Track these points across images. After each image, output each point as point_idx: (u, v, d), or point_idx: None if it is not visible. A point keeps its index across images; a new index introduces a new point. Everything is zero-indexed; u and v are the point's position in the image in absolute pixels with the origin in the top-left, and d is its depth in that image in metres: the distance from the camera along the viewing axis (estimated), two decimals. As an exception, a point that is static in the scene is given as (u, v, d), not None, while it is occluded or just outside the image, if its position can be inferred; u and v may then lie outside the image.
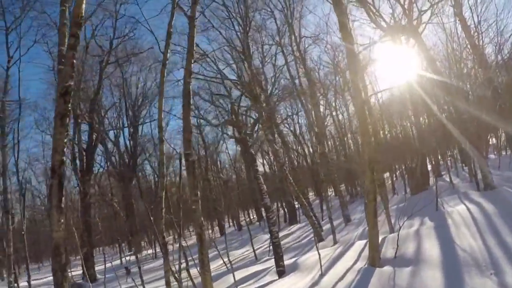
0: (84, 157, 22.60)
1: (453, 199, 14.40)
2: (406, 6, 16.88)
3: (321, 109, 32.77)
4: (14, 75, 18.83)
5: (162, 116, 12.11)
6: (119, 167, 31.17)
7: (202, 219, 10.20)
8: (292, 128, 37.99)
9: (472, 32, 21.16)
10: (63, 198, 5.73)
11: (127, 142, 31.66)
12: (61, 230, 5.59)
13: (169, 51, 12.05)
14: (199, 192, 9.68)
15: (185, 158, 9.75)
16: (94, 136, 24.11)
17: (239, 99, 22.45)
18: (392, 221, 13.27)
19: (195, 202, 9.36)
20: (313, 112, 24.08)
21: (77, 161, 22.48)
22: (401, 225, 10.86)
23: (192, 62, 10.88)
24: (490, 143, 28.43)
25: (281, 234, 24.46)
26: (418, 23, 16.62)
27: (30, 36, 20.87)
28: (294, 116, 36.93)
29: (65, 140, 6.17)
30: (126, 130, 31.62)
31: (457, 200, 14.04)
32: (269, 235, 16.47)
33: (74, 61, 6.88)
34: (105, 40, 24.38)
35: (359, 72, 8.09)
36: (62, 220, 5.66)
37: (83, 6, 7.42)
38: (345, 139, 37.07)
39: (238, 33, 20.70)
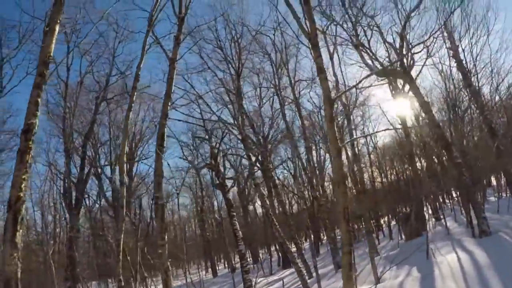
0: (74, 191, 22.43)
1: (446, 246, 13.94)
2: (398, 49, 16.89)
3: (322, 153, 32.53)
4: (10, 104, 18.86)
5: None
6: (113, 203, 30.69)
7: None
8: (292, 171, 37.55)
9: (467, 73, 21.15)
10: (17, 233, 5.86)
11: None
12: (13, 264, 5.72)
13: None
14: (166, 237, 9.54)
15: (155, 201, 9.65)
16: (85, 170, 23.78)
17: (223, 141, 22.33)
18: (380, 269, 12.73)
19: (161, 247, 9.14)
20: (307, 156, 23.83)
21: (67, 195, 22.28)
22: (388, 274, 10.44)
23: (170, 104, 10.88)
24: (491, 185, 28.03)
25: (271, 278, 23.78)
26: (410, 66, 16.51)
27: (24, 67, 20.97)
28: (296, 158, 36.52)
29: (24, 177, 6.27)
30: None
31: (450, 247, 13.58)
32: (260, 278, 15.96)
33: (39, 99, 6.81)
34: (102, 76, 24.32)
35: (334, 119, 7.68)
36: (15, 254, 5.78)
37: (52, 46, 7.40)
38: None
39: (232, 75, 20.83)
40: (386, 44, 17.83)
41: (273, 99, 23.99)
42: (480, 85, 21.29)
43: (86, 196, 31.14)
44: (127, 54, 26.72)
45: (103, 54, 23.14)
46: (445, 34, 20.42)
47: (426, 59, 19.58)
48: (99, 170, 28.26)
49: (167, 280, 8.93)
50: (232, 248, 39.81)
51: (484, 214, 14.35)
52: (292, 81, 21.64)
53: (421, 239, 17.73)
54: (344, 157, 30.36)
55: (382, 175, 30.67)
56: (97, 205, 33.09)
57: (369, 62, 17.44)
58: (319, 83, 8.24)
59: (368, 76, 7.84)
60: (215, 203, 43.78)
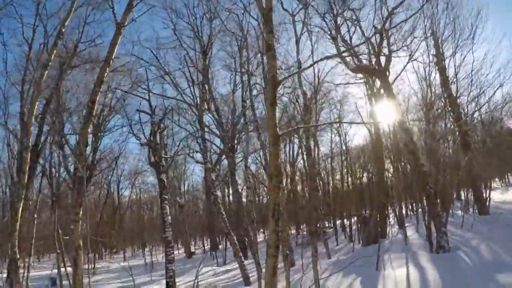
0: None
1: (400, 259, 12.96)
2: (376, 47, 15.71)
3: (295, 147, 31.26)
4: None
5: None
6: (74, 175, 29.17)
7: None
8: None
9: (448, 81, 20.11)
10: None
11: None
12: None
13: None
14: (81, 211, 9.05)
15: (73, 172, 8.85)
16: (42, 138, 22.17)
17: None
18: (326, 275, 11.62)
19: (74, 222, 8.35)
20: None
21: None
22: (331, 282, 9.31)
23: (107, 71, 9.82)
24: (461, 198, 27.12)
25: (221, 269, 22.54)
26: (387, 65, 15.35)
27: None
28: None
29: None
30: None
31: (403, 260, 12.60)
32: (215, 267, 14.81)
33: None
34: (71, 42, 22.59)
35: (275, 102, 6.49)
36: None
37: None
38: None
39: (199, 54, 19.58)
40: (364, 38, 16.53)
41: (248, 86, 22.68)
42: (458, 94, 20.13)
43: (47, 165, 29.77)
44: (99, 22, 24.63)
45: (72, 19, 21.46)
46: (431, 40, 19.35)
47: (408, 62, 18.64)
48: (63, 139, 26.72)
49: (76, 258, 8.45)
50: (193, 232, 38.66)
51: (445, 229, 13.29)
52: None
53: (381, 245, 16.82)
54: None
55: (351, 176, 29.58)
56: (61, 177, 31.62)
57: (348, 58, 16.27)
58: (267, 61, 7.13)
59: (328, 58, 6.70)
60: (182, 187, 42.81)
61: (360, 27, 16.54)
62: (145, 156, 35.31)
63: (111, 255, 42.85)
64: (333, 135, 31.03)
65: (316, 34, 18.88)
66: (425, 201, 14.91)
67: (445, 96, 20.22)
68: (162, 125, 17.82)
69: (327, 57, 7.53)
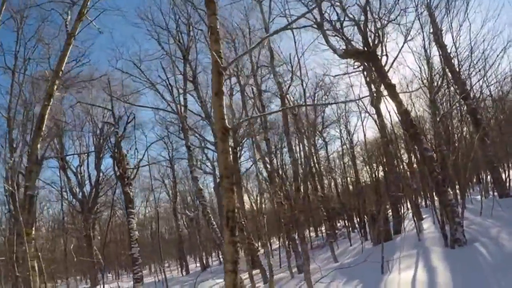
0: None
1: (410, 257, 11.31)
2: (362, 26, 14.09)
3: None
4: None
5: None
6: (82, 197, 28.40)
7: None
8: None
9: (451, 59, 18.33)
10: None
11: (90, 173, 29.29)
12: None
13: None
14: (33, 231, 8.64)
15: (24, 190, 9.08)
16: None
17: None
18: (326, 282, 10.06)
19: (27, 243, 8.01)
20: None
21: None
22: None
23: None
24: (481, 182, 25.10)
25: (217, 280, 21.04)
26: (375, 45, 13.74)
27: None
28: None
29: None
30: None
31: (413, 259, 10.97)
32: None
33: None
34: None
35: (222, 91, 5.61)
36: None
37: None
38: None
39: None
40: (349, 19, 14.95)
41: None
42: (462, 69, 18.31)
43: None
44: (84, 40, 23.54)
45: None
46: (423, 15, 17.60)
47: (404, 42, 17.01)
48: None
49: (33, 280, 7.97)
50: (206, 245, 37.02)
51: (459, 219, 11.57)
52: (255, 67, 18.60)
53: (391, 243, 15.16)
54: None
55: (367, 171, 27.86)
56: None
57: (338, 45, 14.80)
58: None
59: (278, 31, 5.40)
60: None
61: (344, 9, 14.92)
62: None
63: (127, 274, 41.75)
64: (341, 131, 29.36)
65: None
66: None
67: (447, 72, 18.45)
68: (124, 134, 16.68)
69: (276, 31, 6.18)
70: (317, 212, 29.14)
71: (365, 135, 44.90)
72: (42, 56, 19.52)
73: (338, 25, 15.70)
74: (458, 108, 19.59)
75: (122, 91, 19.28)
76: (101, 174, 29.29)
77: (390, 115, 30.73)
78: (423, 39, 16.99)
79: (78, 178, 28.76)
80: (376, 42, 13.96)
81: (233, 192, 5.36)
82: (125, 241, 36.58)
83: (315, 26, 15.58)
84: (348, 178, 31.16)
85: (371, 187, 24.93)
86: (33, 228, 8.56)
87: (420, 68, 18.29)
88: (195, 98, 18.88)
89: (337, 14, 16.10)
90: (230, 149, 5.77)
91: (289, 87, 18.92)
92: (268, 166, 19.08)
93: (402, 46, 17.34)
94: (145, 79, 18.81)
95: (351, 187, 30.01)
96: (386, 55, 18.34)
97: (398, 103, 12.52)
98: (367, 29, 14.05)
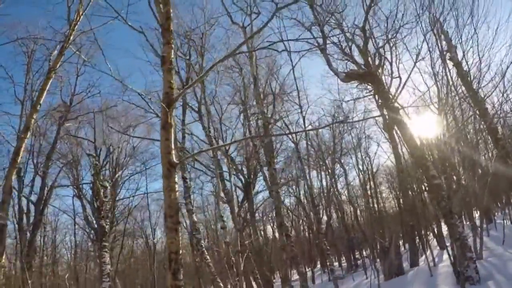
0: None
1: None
2: (361, 46, 13.13)
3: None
4: None
5: None
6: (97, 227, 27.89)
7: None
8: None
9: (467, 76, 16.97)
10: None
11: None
12: None
13: None
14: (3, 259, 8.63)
15: None
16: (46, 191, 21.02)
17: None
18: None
19: None
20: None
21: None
22: None
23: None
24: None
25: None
26: (377, 66, 12.72)
27: None
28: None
29: None
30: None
31: (420, 300, 9.73)
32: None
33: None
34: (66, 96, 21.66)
35: (170, 124, 5.30)
36: None
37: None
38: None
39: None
40: (349, 42, 14.03)
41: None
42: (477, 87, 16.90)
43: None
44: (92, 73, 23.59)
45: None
46: (436, 31, 16.42)
47: (415, 62, 15.88)
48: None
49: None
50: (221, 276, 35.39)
51: (471, 254, 10.25)
52: (261, 95, 17.76)
53: (402, 278, 13.79)
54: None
55: (376, 203, 26.06)
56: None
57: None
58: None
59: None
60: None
61: (343, 30, 14.07)
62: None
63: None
64: (359, 159, 27.93)
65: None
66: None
67: (467, 94, 17.09)
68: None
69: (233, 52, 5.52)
70: (341, 241, 27.79)
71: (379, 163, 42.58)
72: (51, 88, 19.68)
73: (346, 47, 14.88)
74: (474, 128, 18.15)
75: (123, 122, 18.86)
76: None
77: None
78: (431, 57, 15.80)
79: (93, 206, 28.38)
80: (377, 62, 12.98)
81: (177, 233, 4.93)
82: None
83: (316, 49, 14.90)
84: (373, 206, 29.62)
85: (393, 216, 23.44)
86: (2, 257, 8.42)
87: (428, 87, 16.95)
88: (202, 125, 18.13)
89: (348, 41, 15.33)
90: (176, 186, 5.24)
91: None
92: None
93: (414, 66, 16.33)
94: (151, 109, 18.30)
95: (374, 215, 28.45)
96: (399, 76, 17.37)
97: (402, 127, 11.43)
98: (367, 50, 13.12)
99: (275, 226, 35.26)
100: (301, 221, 34.09)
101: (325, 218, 27.13)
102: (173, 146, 5.24)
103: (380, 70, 12.96)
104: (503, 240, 14.22)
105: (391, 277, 14.43)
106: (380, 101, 15.88)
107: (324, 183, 27.18)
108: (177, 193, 5.24)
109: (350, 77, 13.09)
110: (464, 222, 16.33)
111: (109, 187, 15.42)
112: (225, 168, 19.96)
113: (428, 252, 15.01)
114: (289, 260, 16.51)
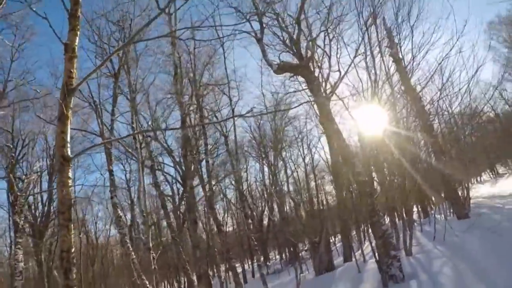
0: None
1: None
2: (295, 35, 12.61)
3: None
4: None
5: None
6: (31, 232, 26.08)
7: None
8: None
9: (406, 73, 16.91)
10: None
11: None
12: None
13: None
14: None
15: None
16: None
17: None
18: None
19: None
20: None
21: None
22: None
23: None
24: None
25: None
26: (308, 58, 12.24)
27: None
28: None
29: None
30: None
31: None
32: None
33: None
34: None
35: (68, 116, 4.89)
36: None
37: None
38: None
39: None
40: (284, 33, 13.54)
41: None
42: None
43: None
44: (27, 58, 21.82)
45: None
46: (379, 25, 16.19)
47: (354, 57, 15.60)
48: None
49: None
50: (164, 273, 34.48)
51: (396, 252, 10.01)
52: (195, 86, 16.88)
53: (331, 275, 13.55)
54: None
55: (316, 196, 26.03)
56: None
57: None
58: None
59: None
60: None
61: (278, 20, 13.53)
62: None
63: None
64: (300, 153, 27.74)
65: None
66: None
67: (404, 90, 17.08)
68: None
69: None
70: (282, 234, 27.50)
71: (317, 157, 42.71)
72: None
73: (287, 38, 14.30)
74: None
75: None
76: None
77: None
78: (371, 52, 15.56)
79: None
80: (309, 55, 12.49)
81: (68, 230, 4.62)
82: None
83: (253, 38, 14.27)
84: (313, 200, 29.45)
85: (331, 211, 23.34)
86: None
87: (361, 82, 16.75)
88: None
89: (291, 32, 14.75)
90: (70, 181, 4.82)
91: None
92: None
93: (352, 61, 16.10)
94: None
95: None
96: (339, 70, 17.02)
97: (329, 121, 11.00)
98: (299, 42, 12.59)
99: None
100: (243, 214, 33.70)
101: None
102: (68, 139, 4.79)
103: (313, 63, 12.54)
104: (434, 236, 14.25)
105: (321, 273, 14.18)
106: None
107: (266, 175, 26.93)
108: (71, 188, 4.88)
109: (282, 69, 12.56)
110: (397, 219, 16.28)
111: (25, 180, 14.19)
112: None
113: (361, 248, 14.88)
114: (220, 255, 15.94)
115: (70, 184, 4.80)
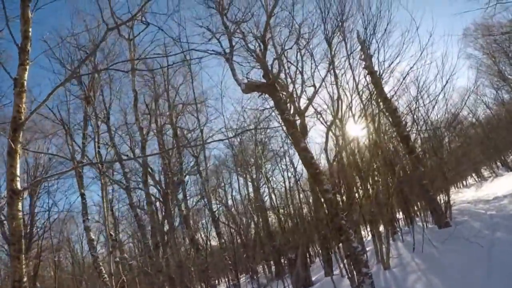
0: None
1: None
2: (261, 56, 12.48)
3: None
4: None
5: None
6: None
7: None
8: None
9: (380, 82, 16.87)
10: None
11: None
12: None
13: None
14: None
15: None
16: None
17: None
18: None
19: None
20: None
21: None
22: None
23: None
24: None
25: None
26: (274, 76, 12.08)
27: None
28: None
29: None
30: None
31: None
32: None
33: None
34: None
35: (14, 152, 4.87)
36: None
37: None
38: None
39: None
40: (249, 52, 13.48)
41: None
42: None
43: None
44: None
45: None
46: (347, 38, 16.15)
47: (327, 73, 15.62)
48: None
49: None
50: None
51: (367, 269, 9.78)
52: (171, 105, 16.82)
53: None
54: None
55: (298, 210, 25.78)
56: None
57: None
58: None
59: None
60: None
61: (244, 40, 13.46)
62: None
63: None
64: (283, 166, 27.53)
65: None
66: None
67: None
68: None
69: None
70: (267, 248, 27.20)
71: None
72: None
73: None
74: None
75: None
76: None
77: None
78: (331, 65, 15.48)
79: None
80: (276, 72, 12.38)
81: (19, 261, 4.73)
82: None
83: (222, 57, 14.12)
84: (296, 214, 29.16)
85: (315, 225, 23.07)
86: None
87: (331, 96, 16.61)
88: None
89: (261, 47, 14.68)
90: (20, 214, 4.91)
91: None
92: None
93: (325, 75, 16.11)
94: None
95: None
96: (314, 85, 16.98)
97: (296, 139, 10.83)
98: (265, 59, 12.48)
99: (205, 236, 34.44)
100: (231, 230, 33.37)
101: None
102: (18, 173, 4.85)
103: (287, 79, 12.44)
104: (413, 247, 14.02)
105: (299, 290, 13.96)
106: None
107: (250, 190, 26.78)
108: (21, 220, 4.94)
109: (249, 88, 12.40)
110: (371, 232, 16.03)
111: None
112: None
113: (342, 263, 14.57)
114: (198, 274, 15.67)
115: (20, 217, 4.82)
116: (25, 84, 5.15)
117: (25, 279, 4.61)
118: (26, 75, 5.14)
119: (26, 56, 5.22)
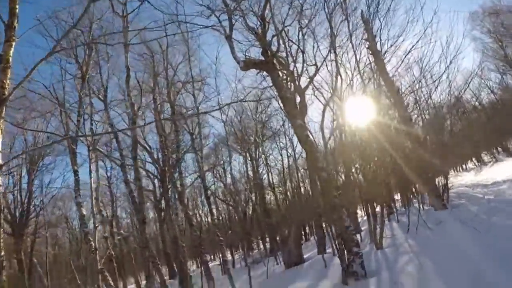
0: None
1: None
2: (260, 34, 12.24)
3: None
4: None
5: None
6: (11, 219, 25.46)
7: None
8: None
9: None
10: None
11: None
12: None
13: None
14: None
15: None
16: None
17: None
18: None
19: None
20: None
21: None
22: None
23: None
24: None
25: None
26: (273, 54, 11.87)
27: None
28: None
29: None
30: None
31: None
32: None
33: None
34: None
35: None
36: None
37: None
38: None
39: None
40: (249, 31, 13.29)
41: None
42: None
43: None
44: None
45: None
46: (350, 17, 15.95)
47: (329, 52, 15.48)
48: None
49: None
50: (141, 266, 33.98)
51: (358, 249, 9.72)
52: (169, 83, 16.62)
53: (298, 268, 13.39)
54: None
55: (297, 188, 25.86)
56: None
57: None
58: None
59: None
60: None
61: (244, 18, 13.22)
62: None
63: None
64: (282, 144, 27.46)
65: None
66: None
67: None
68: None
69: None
70: (264, 225, 27.30)
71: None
72: None
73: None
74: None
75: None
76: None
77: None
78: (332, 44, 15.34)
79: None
80: (274, 51, 12.15)
81: None
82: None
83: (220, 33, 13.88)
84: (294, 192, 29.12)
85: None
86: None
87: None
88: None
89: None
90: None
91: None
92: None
93: (326, 56, 15.94)
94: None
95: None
96: (316, 64, 16.78)
97: (293, 116, 10.68)
98: (265, 38, 12.28)
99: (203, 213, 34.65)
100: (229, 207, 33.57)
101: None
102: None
103: (288, 58, 12.25)
104: (408, 229, 13.97)
105: (290, 266, 14.07)
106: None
107: (249, 168, 26.73)
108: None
109: (247, 65, 12.20)
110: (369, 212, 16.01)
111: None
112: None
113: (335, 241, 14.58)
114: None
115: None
116: (10, 60, 5.14)
117: (2, 253, 4.62)
118: (11, 52, 5.16)
119: (12, 33, 5.24)
